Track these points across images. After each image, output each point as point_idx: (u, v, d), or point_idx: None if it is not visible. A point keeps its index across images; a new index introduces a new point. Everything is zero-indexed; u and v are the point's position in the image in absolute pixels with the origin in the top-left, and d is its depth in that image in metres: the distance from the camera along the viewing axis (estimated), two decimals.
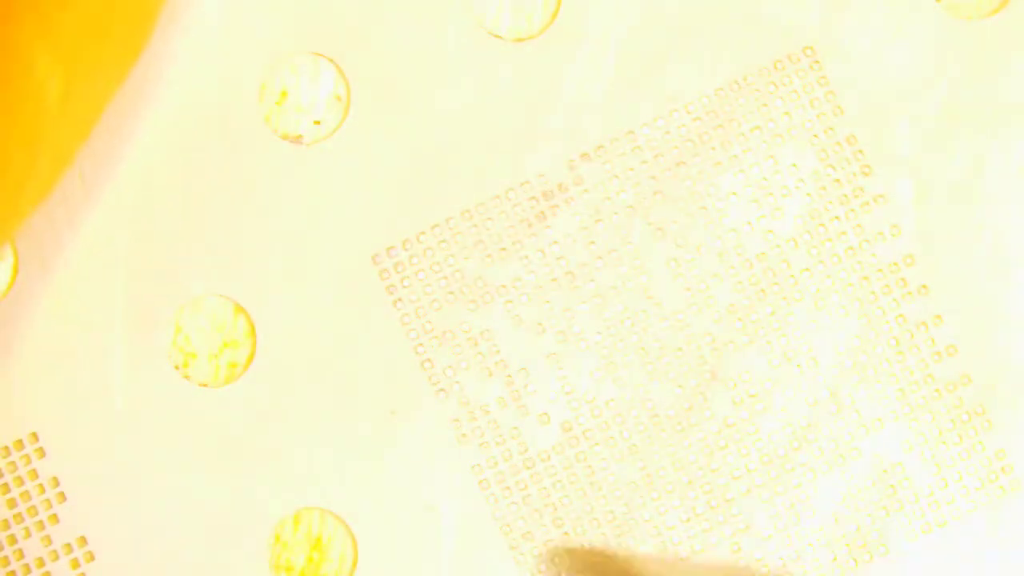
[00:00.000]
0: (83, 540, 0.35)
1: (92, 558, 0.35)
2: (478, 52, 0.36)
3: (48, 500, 0.35)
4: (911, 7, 0.35)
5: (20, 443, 0.35)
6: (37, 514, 0.35)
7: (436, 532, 0.35)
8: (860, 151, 0.35)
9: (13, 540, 0.35)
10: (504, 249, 0.36)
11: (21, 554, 0.35)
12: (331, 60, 0.36)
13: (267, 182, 0.35)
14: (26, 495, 0.35)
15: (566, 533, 0.35)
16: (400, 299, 0.36)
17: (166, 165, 0.35)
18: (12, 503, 0.35)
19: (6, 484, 0.35)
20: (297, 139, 0.36)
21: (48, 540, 0.35)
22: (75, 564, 0.35)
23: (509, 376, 0.35)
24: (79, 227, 0.35)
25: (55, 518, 0.35)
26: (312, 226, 0.35)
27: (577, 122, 0.36)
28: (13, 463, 0.35)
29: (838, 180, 0.35)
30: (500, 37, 0.36)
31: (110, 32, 0.33)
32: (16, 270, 0.35)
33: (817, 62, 0.35)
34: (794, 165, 0.36)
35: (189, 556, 0.35)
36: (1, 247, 0.34)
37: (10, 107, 0.31)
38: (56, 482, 0.35)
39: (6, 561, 0.35)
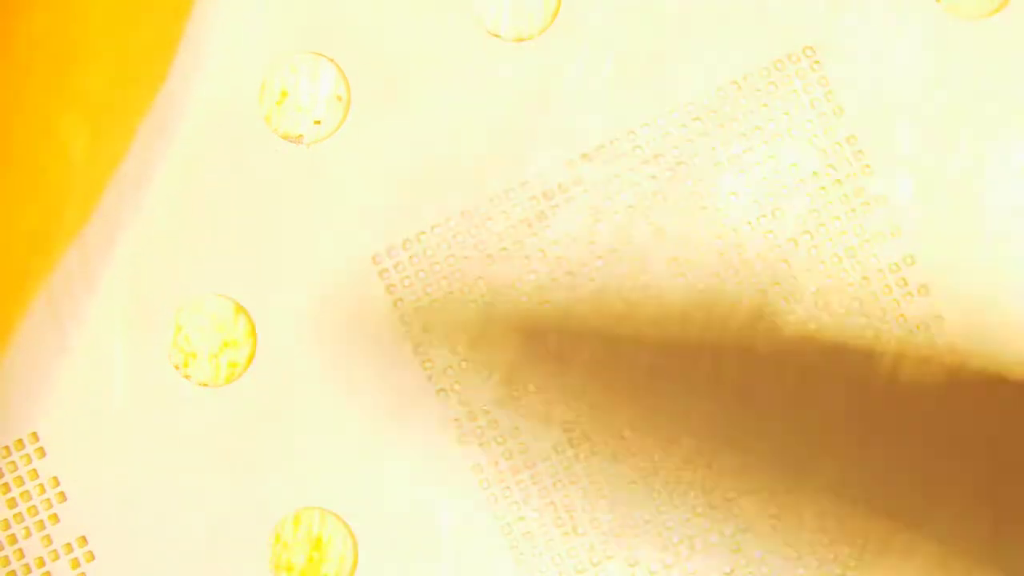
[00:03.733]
0: (83, 540, 0.35)
1: (92, 558, 0.35)
2: (478, 52, 0.36)
3: (48, 500, 0.35)
4: (911, 7, 0.35)
5: (20, 443, 0.35)
6: (37, 514, 0.35)
7: (436, 532, 0.35)
8: (860, 151, 0.35)
9: (13, 540, 0.35)
10: (504, 249, 0.36)
11: (21, 554, 0.35)
12: (331, 60, 0.36)
13: (267, 182, 0.35)
14: (26, 495, 0.35)
15: (566, 533, 0.35)
16: (400, 299, 0.35)
17: (166, 165, 0.35)
18: (12, 503, 0.35)
19: (6, 484, 0.35)
20: (297, 139, 0.36)
21: (48, 540, 0.35)
22: (75, 564, 0.35)
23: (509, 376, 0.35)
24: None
25: (55, 518, 0.35)
26: (312, 226, 0.35)
27: (577, 122, 0.36)
28: (13, 463, 0.35)
29: (838, 180, 0.35)
30: (500, 37, 0.36)
31: (134, 78, 0.33)
32: None
33: (817, 62, 0.35)
34: (794, 165, 0.35)
35: (189, 556, 0.35)
36: (30, 303, 0.34)
37: (36, 176, 0.31)
38: (56, 482, 0.35)
39: (6, 561, 0.35)
